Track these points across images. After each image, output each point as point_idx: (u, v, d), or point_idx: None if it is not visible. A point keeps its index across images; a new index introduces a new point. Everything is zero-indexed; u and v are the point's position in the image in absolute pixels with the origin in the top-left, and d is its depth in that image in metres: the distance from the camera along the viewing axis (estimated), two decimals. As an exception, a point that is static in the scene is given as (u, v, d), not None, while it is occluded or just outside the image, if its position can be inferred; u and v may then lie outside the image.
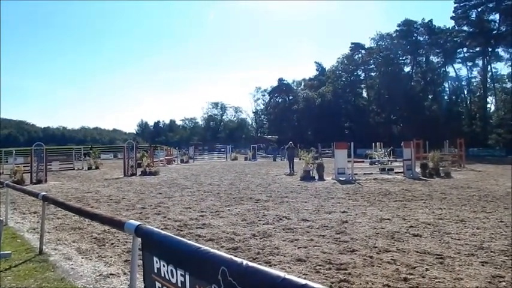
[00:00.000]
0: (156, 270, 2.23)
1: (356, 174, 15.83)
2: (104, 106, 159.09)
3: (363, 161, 19.34)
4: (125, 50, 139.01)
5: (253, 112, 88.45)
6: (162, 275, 2.16)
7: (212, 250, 1.81)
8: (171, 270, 2.07)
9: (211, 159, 37.95)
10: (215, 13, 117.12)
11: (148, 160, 20.72)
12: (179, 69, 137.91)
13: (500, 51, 55.58)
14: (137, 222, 2.59)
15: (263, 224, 6.85)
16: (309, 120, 63.45)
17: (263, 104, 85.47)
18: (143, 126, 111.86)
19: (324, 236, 5.91)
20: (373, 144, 24.21)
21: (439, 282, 3.93)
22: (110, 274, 4.33)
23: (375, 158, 21.14)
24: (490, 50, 54.82)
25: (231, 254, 4.92)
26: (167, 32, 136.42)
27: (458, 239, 5.64)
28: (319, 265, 4.51)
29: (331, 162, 17.31)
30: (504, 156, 39.69)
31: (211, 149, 51.52)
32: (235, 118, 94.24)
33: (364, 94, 69.33)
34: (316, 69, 78.38)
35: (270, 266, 4.49)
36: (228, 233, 6.10)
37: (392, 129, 61.19)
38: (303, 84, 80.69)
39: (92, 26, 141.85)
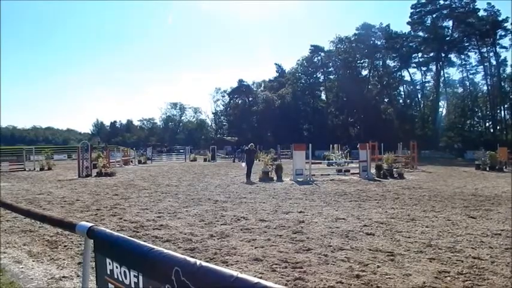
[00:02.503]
0: (109, 272, 2.17)
1: (314, 175, 16.21)
2: (58, 105, 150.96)
3: (320, 163, 19.90)
4: (79, 48, 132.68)
5: (212, 113, 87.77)
6: (115, 276, 2.10)
7: (166, 251, 1.78)
8: (124, 272, 2.01)
9: (169, 160, 37.18)
10: (174, 13, 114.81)
11: (104, 161, 19.96)
12: (136, 69, 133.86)
13: (452, 57, 59.11)
14: (89, 224, 2.49)
15: (221, 224, 6.83)
16: (269, 121, 64.05)
17: (223, 105, 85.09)
18: (99, 126, 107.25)
19: (280, 235, 6.00)
20: (331, 145, 25.01)
21: (389, 278, 4.11)
22: (63, 277, 4.17)
23: (332, 160, 21.81)
24: (443, 55, 57.98)
25: (187, 255, 4.88)
26: (123, 31, 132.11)
27: (409, 237, 5.93)
28: (276, 264, 4.57)
29: (290, 163, 17.60)
30: (454, 158, 42.46)
31: (170, 149, 50.50)
32: (194, 119, 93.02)
33: (323, 96, 70.88)
34: (276, 71, 79.27)
35: (227, 265, 4.51)
36: (185, 234, 6.02)
37: (350, 131, 63.29)
38: (262, 85, 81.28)
39: (45, 22, 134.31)
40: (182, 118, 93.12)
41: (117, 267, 2.09)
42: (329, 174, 17.38)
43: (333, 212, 8.16)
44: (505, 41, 54.66)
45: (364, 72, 66.22)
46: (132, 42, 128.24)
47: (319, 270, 4.34)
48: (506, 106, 56.99)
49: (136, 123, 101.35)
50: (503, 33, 54.13)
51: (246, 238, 5.81)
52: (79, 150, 19.40)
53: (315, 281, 4.02)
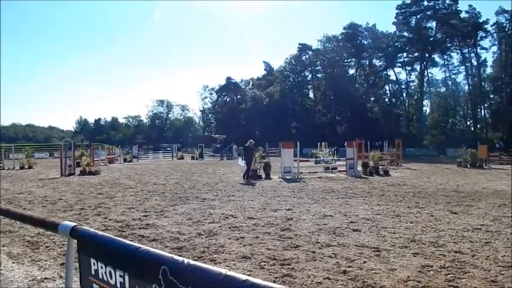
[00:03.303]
0: (93, 272, 2.13)
1: (302, 173, 16.31)
2: (39, 101, 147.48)
3: (308, 160, 19.98)
4: (62, 43, 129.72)
5: (200, 111, 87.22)
6: (100, 276, 2.06)
7: (152, 250, 1.76)
8: (110, 272, 1.99)
9: (156, 158, 36.87)
10: (162, 10, 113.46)
11: (88, 159, 19.66)
12: (122, 65, 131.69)
13: (436, 57, 60.29)
14: (72, 223, 2.44)
15: (209, 222, 6.81)
16: (257, 119, 64.12)
17: (211, 103, 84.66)
18: (82, 123, 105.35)
19: (269, 233, 6.02)
20: (319, 144, 25.16)
21: (375, 273, 4.17)
22: (45, 278, 4.08)
23: (319, 157, 21.97)
24: (427, 55, 59.02)
25: (175, 254, 4.86)
26: (108, 27, 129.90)
27: (394, 233, 6.02)
28: (264, 261, 4.59)
29: (278, 161, 17.64)
30: (437, 156, 43.29)
31: (156, 148, 50.05)
32: (182, 117, 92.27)
33: (311, 95, 71.34)
34: (265, 69, 79.33)
35: (215, 264, 4.51)
36: (172, 233, 5.99)
37: (337, 130, 63.90)
38: (251, 83, 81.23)
39: (26, 17, 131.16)
40: (169, 116, 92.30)
41: (102, 267, 2.06)
42: (317, 172, 17.50)
43: (320, 209, 8.23)
44: (485, 43, 56.23)
45: (351, 71, 67.00)
46: (118, 37, 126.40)
47: (307, 267, 4.38)
48: (486, 105, 58.60)
49: (121, 120, 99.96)
50: (483, 35, 55.57)
51: (234, 236, 5.81)
52: (61, 148, 19.05)
53: (302, 278, 4.05)
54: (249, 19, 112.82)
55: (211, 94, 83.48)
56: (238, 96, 74.80)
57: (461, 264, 4.46)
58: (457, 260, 4.64)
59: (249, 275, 4.06)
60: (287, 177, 15.39)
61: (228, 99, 77.44)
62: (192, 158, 36.30)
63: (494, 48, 56.23)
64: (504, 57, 54.03)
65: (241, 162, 15.35)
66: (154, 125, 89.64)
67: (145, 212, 7.87)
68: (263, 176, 15.73)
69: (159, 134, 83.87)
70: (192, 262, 1.54)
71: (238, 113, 69.97)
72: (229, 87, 75.68)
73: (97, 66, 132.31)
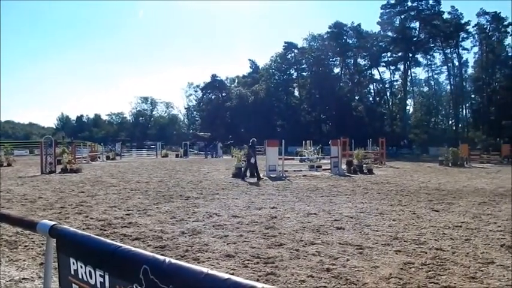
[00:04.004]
0: (72, 272, 2.08)
1: (286, 171, 16.36)
2: (19, 97, 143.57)
3: (293, 159, 20.07)
4: (43, 37, 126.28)
5: (185, 108, 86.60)
6: (80, 276, 2.01)
7: (134, 249, 1.73)
8: (89, 272, 1.94)
9: (140, 156, 36.35)
10: (146, 8, 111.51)
11: (70, 157, 19.25)
12: (105, 62, 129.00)
13: (419, 57, 61.63)
14: (52, 222, 2.37)
15: (193, 221, 6.76)
16: (242, 117, 64.07)
17: (195, 100, 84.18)
18: (64, 120, 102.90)
19: (253, 231, 6.01)
20: (304, 142, 25.30)
21: (358, 270, 4.21)
22: (23, 279, 3.96)
23: (304, 156, 22.08)
24: (410, 55, 60.21)
25: (157, 253, 4.82)
26: (91, 22, 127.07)
27: (377, 231, 6.09)
28: (248, 260, 4.57)
29: (263, 159, 17.65)
30: (419, 154, 44.15)
31: (140, 145, 49.36)
32: (166, 114, 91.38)
33: (296, 93, 71.81)
34: (250, 67, 79.31)
35: (199, 262, 4.47)
36: (155, 232, 5.92)
37: (322, 128, 64.47)
38: (236, 81, 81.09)
39: (5, 9, 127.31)
40: (153, 113, 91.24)
41: (81, 267, 2.01)
42: (301, 170, 17.58)
43: (305, 207, 8.26)
44: (467, 43, 57.85)
45: (336, 70, 67.71)
46: (101, 33, 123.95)
47: (290, 265, 4.38)
48: (467, 105, 60.24)
49: (104, 117, 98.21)
50: (465, 36, 57.15)
51: (218, 234, 5.78)
52: (42, 145, 18.58)
53: (286, 276, 4.05)
54: (234, 17, 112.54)
55: (196, 91, 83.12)
56: (224, 94, 74.55)
57: (442, 261, 4.54)
58: (437, 257, 4.72)
59: (233, 274, 4.08)
60: (272, 175, 15.41)
61: (213, 97, 77.10)
62: (177, 156, 36.04)
63: (476, 49, 58.05)
64: (485, 58, 55.58)
65: (252, 160, 15.08)
66: (138, 123, 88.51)
67: (128, 210, 7.75)
68: (248, 174, 15.69)
69: (142, 131, 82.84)
70: (173, 261, 1.50)
71: (223, 111, 69.75)
72: (215, 84, 75.35)
73: (79, 62, 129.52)
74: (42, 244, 5.04)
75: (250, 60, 79.72)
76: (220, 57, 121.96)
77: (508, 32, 53.37)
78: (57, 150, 20.17)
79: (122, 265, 1.71)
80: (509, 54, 54.68)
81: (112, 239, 5.18)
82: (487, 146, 37.23)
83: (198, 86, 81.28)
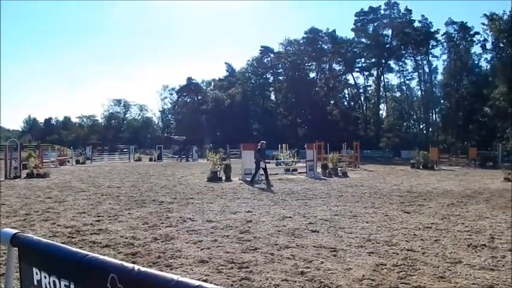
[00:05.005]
0: (36, 283, 1.98)
1: (262, 174, 16.30)
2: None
3: (269, 162, 20.10)
4: (8, 38, 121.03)
5: (159, 111, 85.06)
6: (44, 287, 1.92)
7: (101, 257, 1.67)
8: (54, 281, 1.85)
9: (112, 160, 35.42)
10: (120, 9, 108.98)
11: (37, 161, 18.49)
12: (76, 63, 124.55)
13: (391, 63, 63.74)
14: (13, 231, 2.25)
15: (166, 226, 6.62)
16: (218, 121, 63.77)
17: (170, 103, 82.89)
18: (31, 122, 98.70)
19: (228, 236, 5.95)
20: (280, 145, 25.43)
21: (331, 273, 4.24)
22: (-19, 291, 3.75)
23: (280, 159, 22.20)
24: (383, 61, 62.15)
25: (128, 260, 4.71)
26: (61, 21, 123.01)
27: (350, 233, 6.17)
28: (222, 265, 4.52)
29: (239, 163, 17.60)
30: (392, 157, 45.38)
31: (112, 149, 48.11)
32: (140, 117, 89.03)
33: (273, 97, 72.16)
34: (226, 70, 78.98)
35: (171, 269, 4.38)
36: (127, 238, 5.75)
37: (298, 132, 65.08)
38: (212, 84, 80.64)
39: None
40: (126, 116, 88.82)
41: (45, 277, 1.92)
42: (277, 174, 17.61)
43: (280, 211, 8.27)
44: (436, 51, 60.35)
45: (312, 75, 68.76)
46: (71, 33, 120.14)
47: (265, 269, 4.36)
48: (437, 110, 62.69)
49: (74, 120, 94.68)
50: (434, 44, 59.64)
51: (192, 240, 5.68)
52: (6, 149, 17.77)
53: (260, 280, 4.03)
54: (211, 20, 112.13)
55: (171, 94, 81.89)
56: (199, 97, 73.92)
57: (412, 262, 4.64)
58: (408, 257, 4.82)
59: (206, 280, 4.03)
60: (248, 179, 15.36)
61: (188, 100, 76.26)
62: (150, 159, 35.38)
63: (444, 57, 60.40)
64: (453, 65, 57.93)
65: (262, 164, 14.37)
66: (110, 125, 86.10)
67: (98, 216, 7.49)
68: (223, 178, 15.60)
69: (115, 134, 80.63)
70: (142, 269, 1.47)
71: (199, 114, 69.15)
72: (190, 87, 74.57)
73: (48, 63, 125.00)
74: (4, 253, 4.80)
75: (226, 63, 79.48)
76: (196, 60, 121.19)
77: (474, 41, 55.90)
78: (23, 154, 19.32)
79: (89, 274, 1.65)
80: (475, 62, 57.43)
81: (80, 247, 5.01)
82: (456, 149, 38.72)
83: (173, 89, 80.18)
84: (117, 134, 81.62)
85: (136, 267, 1.48)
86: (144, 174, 18.50)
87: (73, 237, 5.79)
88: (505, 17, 48.41)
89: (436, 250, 5.19)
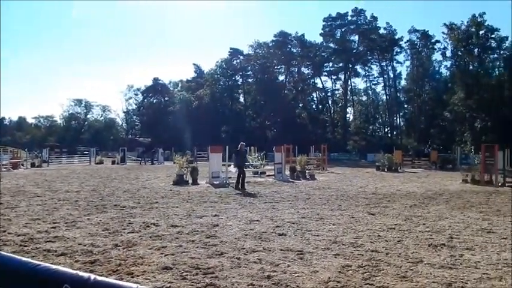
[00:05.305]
0: (-17, 296, 1.80)
1: (230, 177, 16.18)
2: None
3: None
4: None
5: (123, 112, 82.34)
6: (-9, 300, 1.75)
7: (54, 266, 1.58)
8: (3, 294, 1.70)
9: (71, 163, 33.73)
10: (81, 5, 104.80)
11: (-13, 164, 17.33)
12: (33, 61, 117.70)
13: (358, 68, 65.95)
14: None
15: (128, 232, 6.35)
16: (185, 122, 62.72)
17: (136, 104, 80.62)
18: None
19: (193, 241, 5.79)
20: (248, 148, 25.40)
21: (298, 276, 4.21)
22: None
23: (249, 162, 22.14)
24: (350, 66, 64.20)
25: (85, 269, 4.45)
26: (16, 18, 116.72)
27: (317, 235, 6.19)
28: (186, 271, 4.37)
29: (207, 166, 17.36)
30: (358, 160, 46.64)
31: (72, 151, 46.00)
32: (102, 118, 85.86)
33: (242, 99, 72.20)
34: (195, 71, 78.10)
35: (133, 277, 4.19)
36: (85, 245, 5.44)
37: (267, 134, 65.37)
38: (180, 85, 79.54)
39: None
40: (88, 116, 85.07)
41: (-6, 290, 1.76)
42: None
43: (247, 214, 8.19)
44: (400, 57, 63.19)
45: (281, 78, 69.55)
46: (29, 30, 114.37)
47: (231, 274, 4.26)
48: (401, 114, 65.39)
49: (30, 120, 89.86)
50: (398, 50, 62.38)
51: (155, 246, 5.47)
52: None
53: (226, 286, 3.93)
54: (179, 19, 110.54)
55: (136, 95, 79.74)
56: (166, 98, 72.59)
57: (376, 263, 4.71)
58: (373, 258, 4.89)
59: (169, 287, 3.84)
60: (215, 182, 15.17)
61: (154, 101, 74.63)
62: (113, 162, 34.19)
63: (408, 63, 63.17)
64: (416, 71, 60.71)
65: (232, 169, 14.15)
66: (70, 126, 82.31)
67: (54, 223, 7.04)
68: (190, 181, 15.30)
69: (75, 136, 77.18)
70: (99, 278, 1.43)
71: (165, 116, 67.81)
72: (157, 88, 73.08)
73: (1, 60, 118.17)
74: None
75: (194, 64, 78.54)
76: (163, 60, 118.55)
77: (435, 49, 58.84)
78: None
79: (41, 285, 1.54)
80: (436, 68, 60.42)
81: (32, 256, 4.67)
82: (418, 152, 40.25)
83: (138, 89, 78.10)
84: (78, 135, 78.29)
85: (92, 276, 1.43)
86: (106, 178, 17.79)
87: (25, 246, 5.40)
88: (463, 27, 51.35)
89: (399, 250, 5.30)
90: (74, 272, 1.49)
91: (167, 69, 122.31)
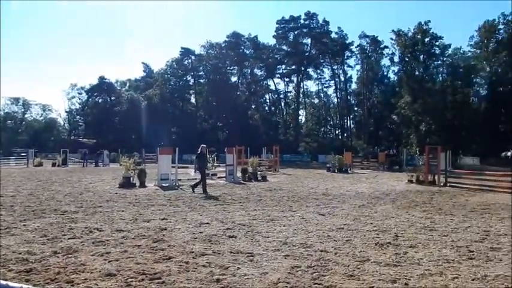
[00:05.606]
0: None
1: (180, 180, 15.87)
2: None
3: (187, 167, 19.62)
4: None
5: (66, 112, 77.61)
6: None
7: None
8: None
9: (7, 165, 31.13)
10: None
11: None
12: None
13: (310, 71, 67.87)
14: None
15: (68, 238, 5.96)
16: (134, 123, 60.58)
17: (79, 104, 76.42)
18: None
19: (139, 245, 5.56)
20: (200, 149, 25.01)
21: (247, 278, 4.18)
22: None
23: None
24: (302, 69, 65.81)
25: (21, 278, 4.11)
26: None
27: (268, 237, 6.20)
28: (132, 277, 4.18)
29: (156, 168, 16.85)
30: (310, 161, 47.87)
31: (7, 153, 42.41)
32: (42, 117, 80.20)
33: (193, 100, 71.17)
34: (144, 71, 75.86)
35: (73, 285, 3.96)
36: (20, 253, 5.02)
37: (219, 136, 64.96)
38: (127, 84, 76.78)
39: None
40: (26, 116, 79.21)
41: None
42: (196, 179, 17.18)
43: (197, 217, 8.04)
44: (351, 61, 66.47)
45: (234, 79, 69.53)
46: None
47: (179, 279, 4.14)
48: (351, 117, 68.48)
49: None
50: (349, 54, 65.37)
51: (98, 252, 5.18)
52: None
53: (174, 292, 3.79)
54: (126, 17, 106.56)
55: (80, 94, 75.53)
56: (113, 98, 69.41)
57: (325, 262, 4.80)
58: (322, 258, 4.98)
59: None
60: (164, 184, 14.78)
61: (100, 101, 71.00)
62: (54, 164, 32.10)
63: (358, 67, 66.38)
64: (365, 75, 64.04)
65: (192, 172, 13.58)
66: (5, 127, 75.69)
67: (-16, 230, 6.44)
68: (137, 184, 14.76)
69: (11, 137, 71.11)
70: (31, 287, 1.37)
71: (112, 116, 64.88)
72: (103, 87, 69.60)
73: None
74: None
75: (143, 63, 76.24)
76: (110, 58, 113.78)
77: (384, 54, 62.37)
78: None
79: None
80: (385, 73, 63.97)
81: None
82: (367, 154, 42.06)
83: (82, 88, 73.97)
84: (14, 136, 72.23)
85: (25, 286, 1.44)
86: (45, 181, 16.61)
87: None
88: (410, 33, 54.78)
89: (347, 250, 5.46)
90: (4, 282, 1.44)
91: (114, 68, 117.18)
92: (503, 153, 37.37)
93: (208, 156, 21.27)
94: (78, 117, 77.67)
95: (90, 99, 72.37)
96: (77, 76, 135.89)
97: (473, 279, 4.24)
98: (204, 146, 14.49)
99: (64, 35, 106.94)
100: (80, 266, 4.56)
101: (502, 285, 4.03)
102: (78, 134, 74.09)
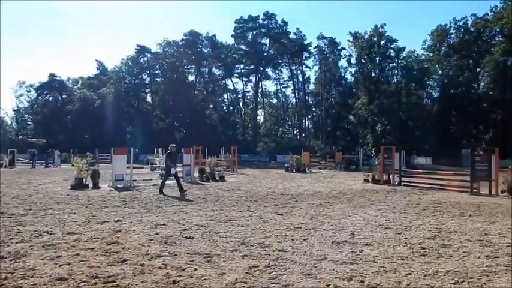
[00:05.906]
0: None
1: (135, 180, 15.43)
2: None
3: (143, 167, 19.10)
4: None
5: (13, 110, 72.82)
6: None
7: None
8: None
9: None
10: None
11: None
12: None
13: (269, 71, 68.47)
14: None
15: (16, 242, 5.63)
16: (86, 122, 57.79)
17: (28, 102, 71.95)
18: None
19: (92, 248, 5.36)
20: (155, 149, 24.43)
21: (205, 279, 4.16)
22: None
23: (156, 164, 21.29)
24: (261, 69, 66.18)
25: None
26: None
27: (225, 237, 6.19)
28: (84, 281, 4.03)
29: (110, 168, 16.24)
30: (268, 161, 48.23)
31: None
32: (-14, 116, 74.95)
33: (149, 99, 69.14)
34: (97, 68, 72.70)
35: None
36: (-41, 261, 4.66)
37: (176, 135, 63.52)
38: (80, 82, 73.13)
39: None
40: (-33, 114, 73.64)
41: None
42: (152, 179, 16.80)
43: (153, 218, 7.87)
44: (309, 62, 67.97)
45: (191, 78, 68.42)
46: None
47: (134, 282, 4.04)
48: (309, 117, 70.12)
49: None
50: (307, 55, 66.75)
51: (48, 256, 4.94)
52: None
53: (128, 295, 3.70)
54: (78, 13, 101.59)
55: (29, 92, 71.07)
56: (64, 96, 65.74)
57: (283, 262, 4.86)
58: (280, 258, 5.04)
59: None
60: (118, 185, 14.29)
61: (50, 99, 66.97)
62: (0, 165, 30.01)
63: (316, 68, 67.91)
64: (323, 76, 65.51)
65: (173, 170, 13.00)
66: None
67: None
68: (90, 185, 14.15)
69: (-49, 137, 65.71)
70: None
71: (63, 115, 61.46)
72: (53, 85, 65.60)
73: None
74: None
75: (97, 61, 73.16)
76: (61, 54, 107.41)
77: (341, 56, 64.27)
78: None
79: None
80: (342, 74, 66.03)
81: None
82: (325, 154, 42.95)
83: (31, 86, 69.65)
84: (-46, 136, 66.63)
85: None
86: (-11, 183, 15.47)
87: None
88: (366, 36, 56.77)
89: (305, 249, 5.55)
90: None
91: (65, 65, 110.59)
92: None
93: (161, 155, 20.93)
94: (26, 116, 73.16)
95: (39, 98, 68.08)
96: (25, 73, 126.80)
97: (425, 275, 4.41)
98: (174, 145, 14.18)
99: (11, 30, 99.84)
100: (29, 270, 4.35)
101: (452, 281, 4.25)
102: (27, 133, 69.62)
